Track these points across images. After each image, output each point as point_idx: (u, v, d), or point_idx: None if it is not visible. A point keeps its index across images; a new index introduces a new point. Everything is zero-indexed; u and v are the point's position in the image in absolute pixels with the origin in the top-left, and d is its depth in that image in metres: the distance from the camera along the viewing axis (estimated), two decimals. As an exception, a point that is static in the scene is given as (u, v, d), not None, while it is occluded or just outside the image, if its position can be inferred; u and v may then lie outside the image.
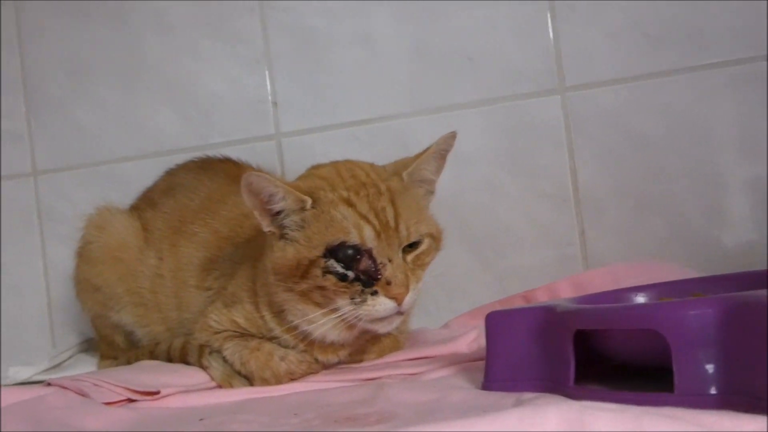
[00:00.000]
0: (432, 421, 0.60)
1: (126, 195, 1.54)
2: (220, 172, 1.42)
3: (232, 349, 1.14)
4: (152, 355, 1.31)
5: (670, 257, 1.41)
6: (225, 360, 1.15)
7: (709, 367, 0.68)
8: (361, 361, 1.19)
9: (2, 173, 1.78)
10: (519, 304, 1.29)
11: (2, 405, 0.95)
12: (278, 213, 1.07)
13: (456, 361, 1.09)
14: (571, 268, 1.47)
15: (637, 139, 1.48)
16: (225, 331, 1.18)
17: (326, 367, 1.17)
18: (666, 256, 1.42)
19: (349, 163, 1.15)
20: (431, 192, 1.17)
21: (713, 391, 0.67)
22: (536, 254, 1.52)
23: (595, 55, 1.50)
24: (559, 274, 1.43)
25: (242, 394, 1.07)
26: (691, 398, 0.67)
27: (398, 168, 1.13)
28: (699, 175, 1.45)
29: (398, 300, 1.02)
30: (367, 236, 1.02)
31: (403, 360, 1.17)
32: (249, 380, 1.12)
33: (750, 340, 0.66)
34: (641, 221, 1.47)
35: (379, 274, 1.02)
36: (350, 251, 1.03)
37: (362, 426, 0.75)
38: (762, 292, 0.68)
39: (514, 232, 1.53)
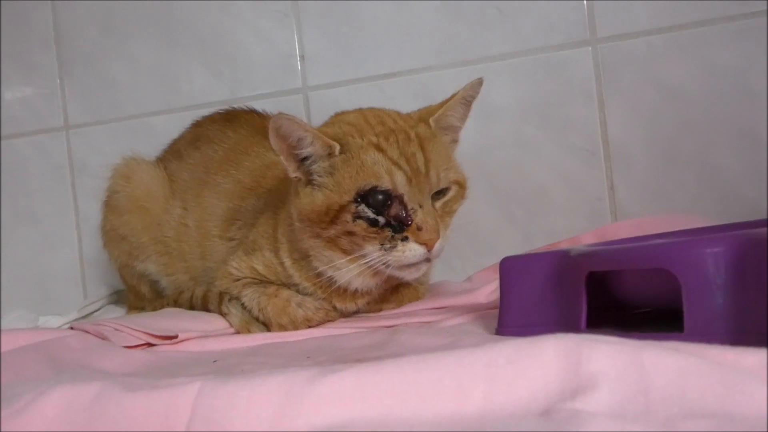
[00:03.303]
0: (428, 353, 0.59)
1: (156, 149, 1.55)
2: (244, 123, 1.42)
3: (250, 296, 1.15)
4: (176, 304, 1.32)
5: (701, 211, 1.37)
6: (243, 306, 1.16)
7: (720, 306, 0.66)
8: (380, 310, 1.19)
9: (35, 127, 1.80)
10: (543, 257, 1.27)
11: (23, 345, 0.96)
12: (305, 159, 1.06)
13: (473, 309, 1.08)
14: (599, 223, 1.45)
15: (669, 92, 1.44)
16: (244, 278, 1.18)
17: (344, 315, 1.17)
18: (697, 211, 1.39)
19: (375, 110, 1.14)
20: (455, 141, 1.16)
21: (723, 329, 0.66)
22: (564, 209, 1.50)
23: (628, 5, 1.46)
24: (587, 228, 1.40)
25: (259, 339, 1.07)
26: (701, 337, 0.65)
27: (424, 115, 1.11)
28: (733, 129, 1.41)
29: (429, 246, 1.02)
30: (399, 182, 1.02)
31: (421, 309, 1.16)
32: (267, 326, 1.13)
33: (763, 277, 0.64)
34: (672, 175, 1.44)
35: (410, 220, 1.02)
36: (381, 196, 1.02)
37: (372, 363, 0.74)
38: (777, 229, 0.65)
39: (542, 187, 1.51)
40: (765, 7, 1.39)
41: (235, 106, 1.53)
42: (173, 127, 1.57)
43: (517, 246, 1.49)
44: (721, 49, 1.41)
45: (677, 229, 1.04)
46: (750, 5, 1.39)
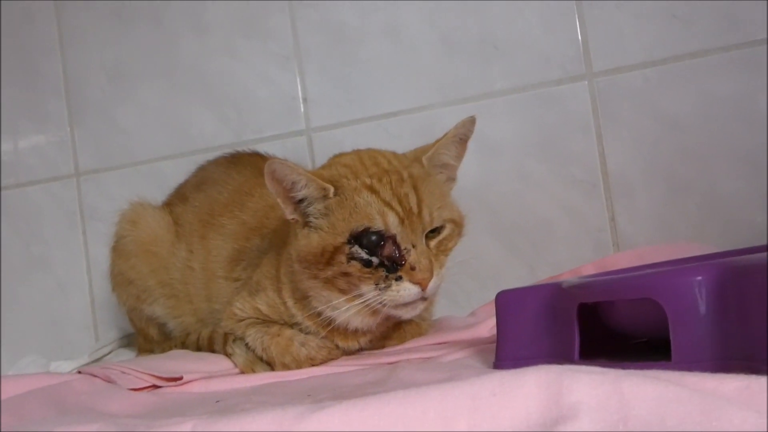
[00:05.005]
0: (414, 388, 0.60)
1: (165, 192, 1.58)
2: (248, 165, 1.45)
3: (253, 336, 1.16)
4: (184, 346, 1.34)
5: (704, 239, 1.38)
6: (248, 346, 1.17)
7: (705, 333, 0.67)
8: (383, 347, 1.20)
9: (47, 175, 1.84)
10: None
11: (29, 390, 0.98)
12: (301, 201, 1.08)
13: (474, 344, 1.08)
14: (603, 254, 1.46)
15: (667, 122, 1.46)
16: (248, 318, 1.20)
17: (347, 353, 1.17)
18: (700, 238, 1.40)
19: (371, 151, 1.16)
20: (453, 179, 1.17)
21: (709, 356, 0.66)
22: (568, 240, 1.51)
23: (622, 38, 1.48)
24: (591, 260, 1.41)
25: (263, 379, 1.09)
26: (688, 365, 0.65)
27: (418, 154, 1.13)
28: (733, 155, 1.42)
29: (422, 285, 1.03)
30: (391, 222, 1.03)
31: (423, 345, 1.17)
32: (270, 366, 1.14)
33: (747, 304, 0.64)
34: (673, 204, 1.45)
35: (404, 260, 1.03)
36: (374, 237, 1.03)
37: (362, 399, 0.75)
38: (758, 256, 0.66)
39: (544, 220, 1.52)
40: (759, 37, 1.40)
41: (240, 149, 1.56)
42: (181, 171, 1.59)
43: (522, 278, 1.49)
44: (718, 78, 1.43)
45: (678, 257, 1.05)
46: (744, 35, 1.41)
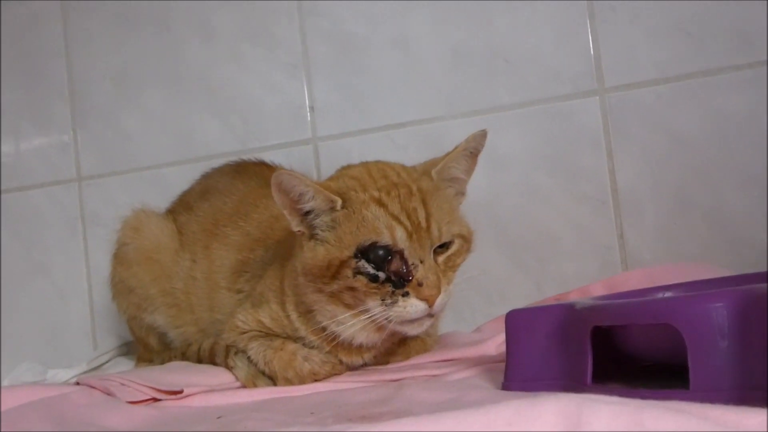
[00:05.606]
0: (426, 415, 0.58)
1: (168, 199, 1.56)
2: (253, 175, 1.43)
3: (256, 349, 1.14)
4: (184, 357, 1.32)
5: (712, 258, 1.37)
6: (250, 360, 1.15)
7: (725, 362, 0.65)
8: (387, 363, 1.18)
9: (49, 179, 1.83)
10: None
11: (27, 402, 0.96)
12: (308, 213, 1.06)
13: (481, 362, 1.06)
14: (610, 271, 1.44)
15: (677, 140, 1.44)
16: (251, 331, 1.17)
17: (351, 368, 1.15)
18: (708, 258, 1.38)
19: (380, 164, 1.14)
20: (462, 193, 1.15)
21: (729, 386, 0.64)
22: (575, 257, 1.49)
23: (635, 55, 1.47)
24: (598, 277, 1.40)
25: (264, 393, 1.06)
26: (706, 394, 0.64)
27: (428, 167, 1.11)
28: (742, 175, 1.41)
29: (430, 302, 1.01)
30: (399, 237, 1.01)
31: (428, 362, 1.15)
32: (273, 380, 1.12)
33: (766, 332, 0.63)
34: (682, 222, 1.44)
35: (411, 275, 1.01)
36: (381, 252, 1.01)
37: (371, 423, 0.73)
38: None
39: (552, 235, 1.50)
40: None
41: (246, 157, 1.54)
42: (185, 177, 1.58)
43: (527, 294, 1.48)
44: (729, 97, 1.42)
45: (688, 279, 1.03)
46: (757, 54, 1.40)
